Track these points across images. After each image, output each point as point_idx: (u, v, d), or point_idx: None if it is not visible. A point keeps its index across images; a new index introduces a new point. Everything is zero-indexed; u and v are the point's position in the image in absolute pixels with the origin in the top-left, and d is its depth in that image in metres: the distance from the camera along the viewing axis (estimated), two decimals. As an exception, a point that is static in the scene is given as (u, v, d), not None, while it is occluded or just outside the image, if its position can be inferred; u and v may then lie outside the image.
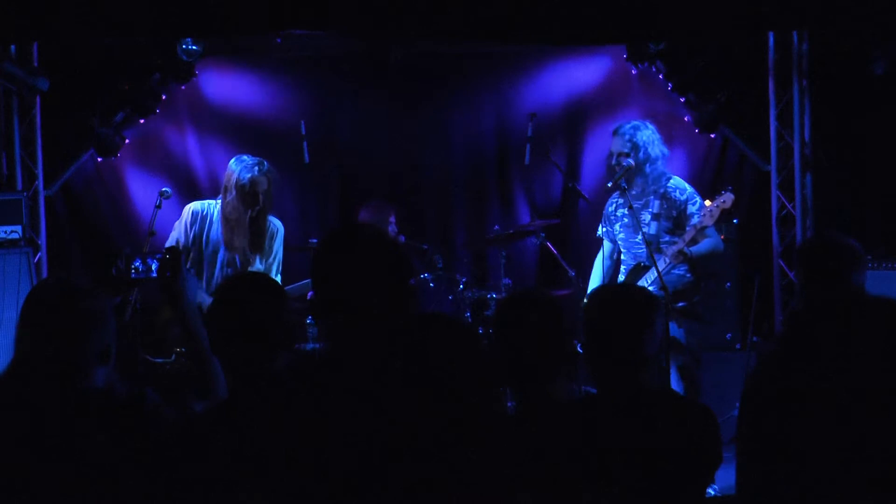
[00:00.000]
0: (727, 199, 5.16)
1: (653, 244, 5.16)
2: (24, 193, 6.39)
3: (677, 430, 2.50)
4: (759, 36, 6.81)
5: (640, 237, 5.23)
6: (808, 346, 2.30)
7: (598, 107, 7.34)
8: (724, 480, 4.58)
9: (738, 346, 6.45)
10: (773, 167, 6.99)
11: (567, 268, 6.22)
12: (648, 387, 2.58)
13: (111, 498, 2.34)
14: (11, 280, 5.97)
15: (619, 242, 5.44)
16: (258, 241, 5.26)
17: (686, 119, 7.07)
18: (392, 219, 6.34)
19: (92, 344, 2.45)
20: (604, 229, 5.52)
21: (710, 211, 5.13)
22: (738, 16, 5.62)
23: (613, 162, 5.35)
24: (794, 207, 6.92)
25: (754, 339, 6.24)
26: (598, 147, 7.32)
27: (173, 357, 5.09)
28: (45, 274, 6.58)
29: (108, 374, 2.48)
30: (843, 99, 6.71)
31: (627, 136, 5.29)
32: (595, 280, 5.56)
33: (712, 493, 4.76)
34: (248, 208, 5.18)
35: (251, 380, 2.34)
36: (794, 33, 6.74)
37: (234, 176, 5.19)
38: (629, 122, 5.41)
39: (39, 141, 6.70)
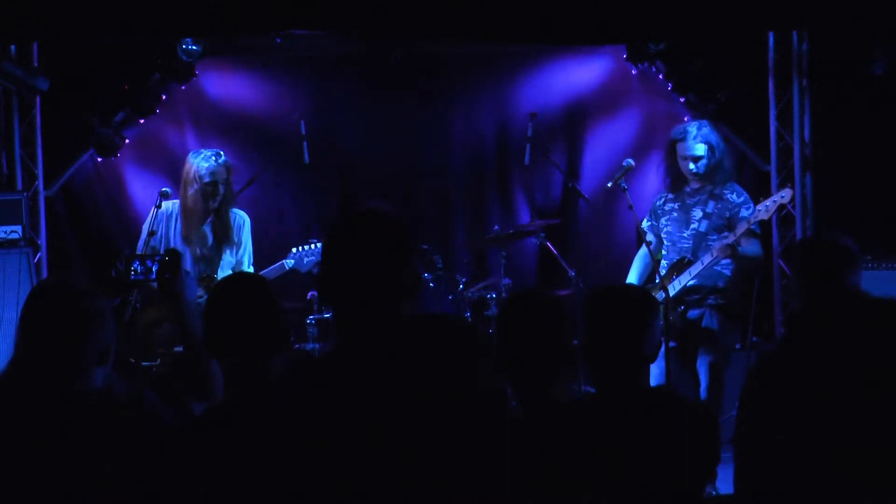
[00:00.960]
0: (786, 194, 5.15)
1: (701, 240, 5.17)
2: (24, 193, 6.39)
3: (677, 430, 2.50)
4: (759, 36, 6.80)
5: (687, 232, 5.24)
6: (806, 346, 2.30)
7: (598, 107, 7.34)
8: (723, 481, 4.57)
9: (738, 346, 6.44)
10: (772, 167, 6.99)
11: (567, 268, 6.22)
12: (648, 387, 2.59)
13: (110, 499, 2.34)
14: (11, 280, 5.97)
15: (664, 236, 5.42)
16: (223, 233, 5.27)
17: (686, 119, 7.06)
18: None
19: (91, 344, 2.45)
20: (648, 223, 5.50)
21: (767, 206, 5.09)
22: (738, 16, 5.61)
23: (691, 165, 5.28)
24: (793, 207, 6.91)
25: (754, 339, 6.23)
26: (598, 147, 7.33)
27: (158, 360, 5.08)
28: (45, 274, 6.58)
29: (107, 375, 2.48)
30: (843, 99, 6.70)
31: (702, 139, 5.24)
32: (634, 273, 5.55)
33: (713, 493, 4.76)
34: (209, 200, 5.20)
35: (248, 380, 2.34)
36: (794, 33, 6.73)
37: (193, 169, 5.23)
38: (694, 123, 5.34)
39: (39, 141, 6.71)
